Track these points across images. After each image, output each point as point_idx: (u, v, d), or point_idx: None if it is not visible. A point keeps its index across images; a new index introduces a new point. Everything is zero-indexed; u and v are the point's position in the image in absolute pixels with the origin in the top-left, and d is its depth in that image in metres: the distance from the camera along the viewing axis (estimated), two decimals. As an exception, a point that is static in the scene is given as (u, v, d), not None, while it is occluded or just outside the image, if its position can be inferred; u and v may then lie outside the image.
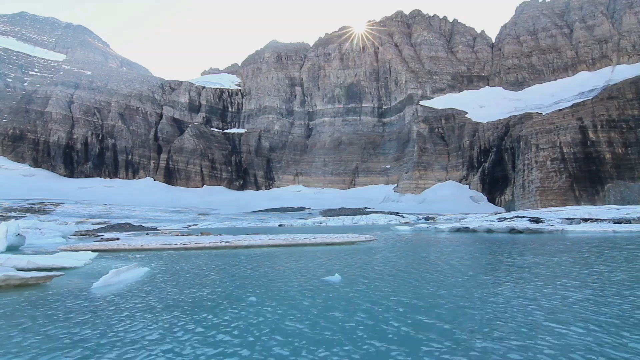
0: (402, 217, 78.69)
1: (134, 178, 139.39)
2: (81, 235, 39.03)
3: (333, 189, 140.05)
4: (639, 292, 8.19)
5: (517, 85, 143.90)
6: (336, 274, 10.72)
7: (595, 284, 9.12)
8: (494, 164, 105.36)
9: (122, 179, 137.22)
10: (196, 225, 69.94)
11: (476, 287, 9.21)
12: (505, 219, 43.67)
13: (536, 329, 5.81)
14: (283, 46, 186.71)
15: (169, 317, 7.02)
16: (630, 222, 34.53)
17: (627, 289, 8.45)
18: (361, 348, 5.22)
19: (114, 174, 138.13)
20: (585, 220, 38.05)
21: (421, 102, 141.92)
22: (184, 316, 7.06)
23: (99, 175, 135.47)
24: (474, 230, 35.41)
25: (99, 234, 42.50)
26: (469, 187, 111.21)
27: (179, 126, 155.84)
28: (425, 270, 12.23)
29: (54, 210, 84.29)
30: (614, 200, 75.09)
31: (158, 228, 60.34)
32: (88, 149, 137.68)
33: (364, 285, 9.69)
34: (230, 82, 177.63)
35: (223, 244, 21.98)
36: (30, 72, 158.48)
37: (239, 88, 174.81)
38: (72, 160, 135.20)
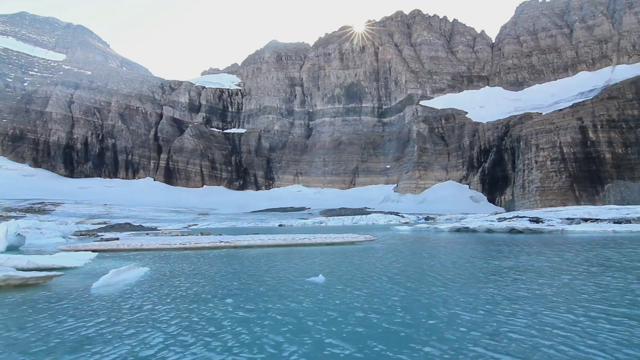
0: (402, 217, 78.70)
1: (134, 178, 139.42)
2: (81, 235, 39.03)
3: (333, 189, 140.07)
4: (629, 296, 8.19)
5: (517, 85, 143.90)
6: (320, 275, 10.60)
7: (587, 288, 9.12)
8: (494, 164, 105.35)
9: (122, 179, 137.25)
10: (196, 225, 69.96)
11: (464, 291, 9.20)
12: (505, 219, 43.67)
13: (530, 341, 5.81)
14: (283, 46, 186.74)
15: (167, 317, 7.04)
16: (630, 222, 34.54)
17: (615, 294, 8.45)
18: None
19: (114, 174, 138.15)
20: (585, 220, 38.05)
21: (421, 102, 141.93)
22: (171, 317, 7.08)
23: (99, 175, 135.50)
24: (474, 230, 35.42)
25: (99, 234, 42.51)
26: (469, 187, 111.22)
27: (179, 126, 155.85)
28: (418, 271, 12.23)
29: (54, 210, 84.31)
30: (614, 200, 75.08)
31: (158, 228, 60.36)
32: (88, 149, 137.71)
33: (346, 286, 9.57)
34: (230, 82, 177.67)
35: (222, 244, 22.00)
36: (30, 72, 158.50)
37: (239, 88, 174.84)
38: (72, 160, 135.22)
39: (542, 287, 8.88)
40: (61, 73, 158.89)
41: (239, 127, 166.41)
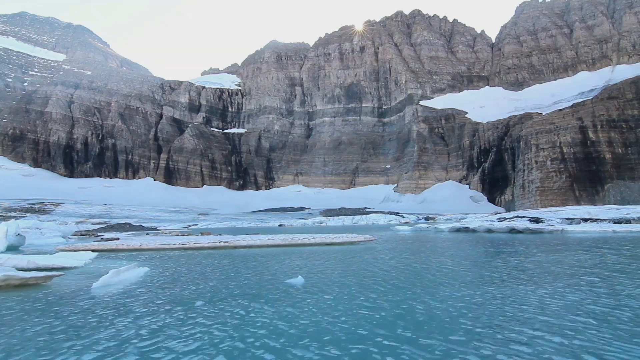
0: (402, 217, 78.70)
1: (134, 178, 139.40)
2: (81, 235, 39.04)
3: (333, 189, 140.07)
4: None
5: (517, 85, 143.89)
6: (299, 277, 10.51)
7: (585, 287, 9.12)
8: (494, 164, 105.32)
9: (122, 179, 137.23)
10: (196, 225, 69.96)
11: (458, 293, 9.18)
12: (505, 219, 43.67)
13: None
14: (283, 46, 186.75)
15: (165, 317, 7.05)
16: (630, 222, 34.53)
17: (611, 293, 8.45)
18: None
19: (114, 174, 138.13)
20: (585, 220, 38.04)
21: (421, 102, 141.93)
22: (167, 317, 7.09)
23: (99, 175, 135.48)
24: (474, 230, 35.41)
25: (99, 234, 42.52)
26: (469, 187, 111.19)
27: (179, 126, 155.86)
28: (410, 272, 12.22)
29: (54, 210, 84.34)
30: (614, 200, 75.06)
31: (158, 228, 60.36)
32: (88, 149, 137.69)
33: (325, 288, 9.43)
34: (230, 82, 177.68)
35: (222, 244, 21.98)
36: (30, 72, 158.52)
37: (239, 88, 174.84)
38: (72, 160, 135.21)
39: (540, 288, 8.89)
40: (61, 73, 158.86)
41: (239, 127, 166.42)
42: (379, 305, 7.49)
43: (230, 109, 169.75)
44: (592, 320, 6.19)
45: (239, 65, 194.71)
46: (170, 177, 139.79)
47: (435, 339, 5.51)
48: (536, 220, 39.50)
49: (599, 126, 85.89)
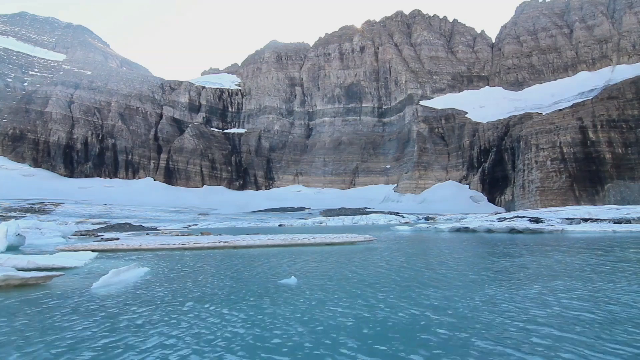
0: (402, 217, 78.70)
1: (134, 178, 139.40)
2: (81, 235, 39.06)
3: (333, 189, 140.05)
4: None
5: (517, 85, 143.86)
6: (292, 277, 10.51)
7: (583, 287, 9.13)
8: (494, 164, 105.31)
9: (122, 179, 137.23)
10: (196, 225, 69.96)
11: (452, 294, 9.18)
12: (505, 219, 43.68)
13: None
14: (283, 46, 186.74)
15: (164, 317, 7.05)
16: (630, 222, 34.53)
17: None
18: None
19: (114, 174, 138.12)
20: (585, 220, 38.04)
21: (421, 102, 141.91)
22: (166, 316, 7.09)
23: (99, 175, 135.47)
24: (474, 230, 35.42)
25: (99, 234, 42.52)
26: (469, 187, 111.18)
27: (179, 126, 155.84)
28: (405, 273, 12.23)
29: (54, 210, 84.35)
30: (614, 200, 75.05)
31: (158, 228, 60.36)
32: (88, 149, 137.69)
33: (316, 288, 9.38)
34: (230, 82, 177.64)
35: (222, 244, 21.99)
36: (30, 72, 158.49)
37: (239, 88, 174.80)
38: (72, 160, 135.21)
39: (536, 289, 8.90)
40: (61, 73, 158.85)
41: (239, 127, 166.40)
42: (363, 308, 7.45)
43: (230, 109, 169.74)
44: (577, 325, 6.20)
45: (239, 65, 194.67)
46: (170, 177, 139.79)
47: (402, 343, 5.46)
48: (536, 220, 39.51)
49: (599, 126, 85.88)
